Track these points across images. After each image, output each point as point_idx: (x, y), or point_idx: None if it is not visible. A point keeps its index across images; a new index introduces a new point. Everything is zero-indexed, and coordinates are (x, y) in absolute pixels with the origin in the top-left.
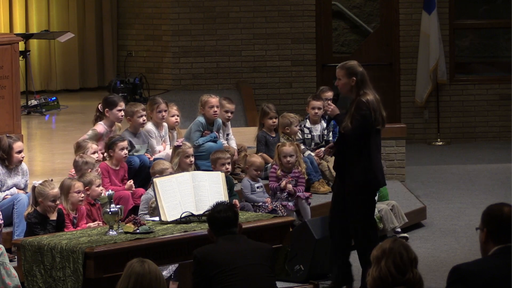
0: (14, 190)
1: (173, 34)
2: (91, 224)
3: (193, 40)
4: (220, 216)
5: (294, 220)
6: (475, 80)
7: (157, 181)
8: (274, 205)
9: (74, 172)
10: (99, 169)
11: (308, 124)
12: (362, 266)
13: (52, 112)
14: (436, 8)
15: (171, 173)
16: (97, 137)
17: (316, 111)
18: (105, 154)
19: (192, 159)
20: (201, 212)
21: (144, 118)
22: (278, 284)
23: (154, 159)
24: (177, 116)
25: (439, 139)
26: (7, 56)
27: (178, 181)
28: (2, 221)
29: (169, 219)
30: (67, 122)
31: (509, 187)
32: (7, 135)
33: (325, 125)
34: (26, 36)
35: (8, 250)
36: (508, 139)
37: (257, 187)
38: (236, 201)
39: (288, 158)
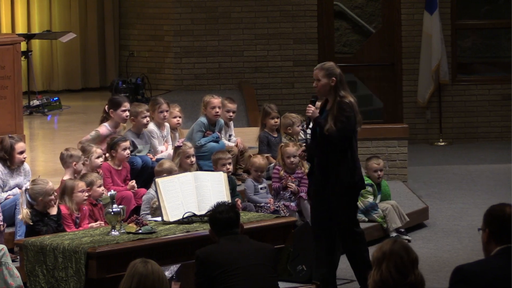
0: (16, 190)
1: (175, 34)
2: (94, 224)
3: (195, 40)
4: (221, 217)
5: (296, 220)
6: (477, 80)
7: (159, 181)
8: (277, 205)
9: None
10: (101, 170)
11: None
12: (353, 267)
13: (54, 112)
14: (438, 8)
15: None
16: (99, 139)
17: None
18: (107, 155)
19: (193, 159)
20: (203, 212)
21: (148, 119)
22: (281, 284)
23: (157, 159)
24: (179, 117)
25: (441, 139)
26: (9, 56)
27: (180, 181)
28: (3, 222)
29: (172, 219)
30: (69, 122)
31: (510, 187)
32: (9, 135)
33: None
34: (28, 36)
35: (11, 250)
36: (510, 139)
37: (261, 188)
38: (238, 201)
39: (292, 159)
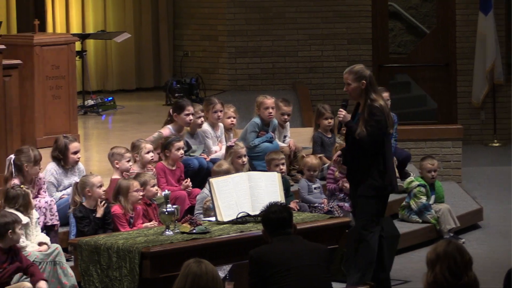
0: (70, 190)
1: (229, 35)
2: (148, 224)
3: (249, 40)
4: (275, 217)
5: (350, 221)
6: None
7: (213, 181)
8: (330, 206)
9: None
10: (155, 169)
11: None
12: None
13: (108, 112)
14: (492, 9)
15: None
16: (162, 141)
17: None
18: (161, 154)
19: (245, 159)
20: (257, 212)
21: (202, 119)
22: (334, 285)
23: (211, 160)
24: (233, 118)
25: (495, 140)
26: (64, 56)
27: (235, 182)
28: (58, 221)
29: (225, 219)
30: (124, 122)
31: None
32: (64, 135)
33: None
34: (83, 36)
35: (65, 250)
36: None
37: (315, 188)
38: (294, 203)
39: None
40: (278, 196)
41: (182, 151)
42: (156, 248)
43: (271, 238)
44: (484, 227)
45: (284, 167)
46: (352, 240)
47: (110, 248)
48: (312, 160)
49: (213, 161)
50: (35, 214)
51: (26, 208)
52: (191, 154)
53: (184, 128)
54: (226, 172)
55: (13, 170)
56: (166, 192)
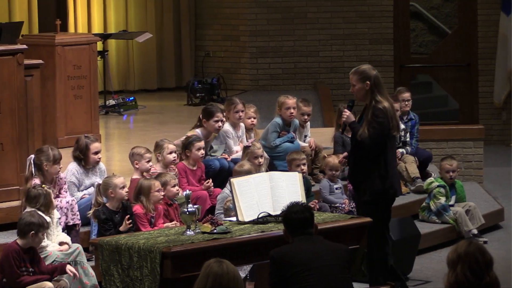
0: (92, 190)
1: (250, 35)
2: (169, 224)
3: (270, 40)
4: (296, 217)
5: (371, 221)
6: None
7: (235, 181)
8: (352, 206)
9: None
10: (176, 169)
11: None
12: (367, 268)
13: (130, 112)
14: None
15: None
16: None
17: None
18: (182, 154)
19: (261, 159)
20: (278, 212)
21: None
22: (355, 285)
23: (232, 160)
24: (254, 118)
25: None
26: (85, 56)
27: (256, 182)
28: (80, 221)
29: (246, 219)
30: (145, 122)
31: None
32: (85, 135)
33: (402, 126)
34: (104, 36)
35: (86, 250)
36: None
37: (336, 188)
38: (314, 202)
39: None
40: (299, 196)
41: (202, 151)
42: (177, 248)
43: (292, 238)
44: (505, 228)
45: (305, 167)
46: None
47: (131, 248)
48: (334, 160)
49: (234, 161)
50: (56, 214)
51: (47, 207)
52: (212, 154)
53: (212, 134)
54: (248, 172)
55: (33, 169)
56: (187, 192)
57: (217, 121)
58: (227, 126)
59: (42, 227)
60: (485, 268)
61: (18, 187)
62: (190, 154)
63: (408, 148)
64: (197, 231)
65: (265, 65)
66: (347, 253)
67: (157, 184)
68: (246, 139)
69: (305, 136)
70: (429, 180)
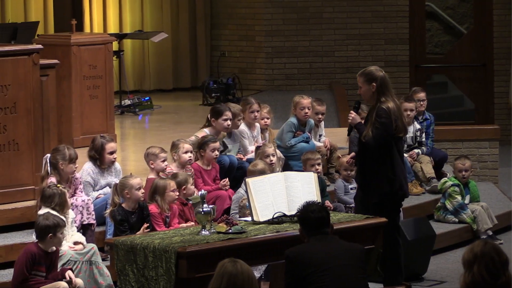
0: (107, 189)
1: (266, 35)
2: (184, 225)
3: (286, 40)
4: (313, 216)
5: (386, 221)
6: None
7: (250, 181)
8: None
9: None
10: (192, 169)
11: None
12: (383, 270)
13: (145, 112)
14: None
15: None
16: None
17: (408, 113)
18: (197, 153)
19: (272, 158)
20: (293, 212)
21: (229, 122)
22: (371, 285)
23: (247, 160)
24: (267, 118)
25: None
26: (101, 56)
27: (271, 181)
28: (95, 221)
29: (261, 219)
30: (160, 122)
31: None
32: (101, 135)
33: (418, 126)
34: (120, 36)
35: (101, 249)
36: None
37: (351, 188)
38: (328, 202)
39: None
40: (314, 196)
41: (217, 152)
42: (192, 248)
43: (308, 237)
44: None
45: (320, 167)
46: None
47: (146, 248)
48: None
49: (250, 161)
50: (71, 213)
51: (62, 207)
52: (227, 154)
53: (221, 133)
54: (261, 171)
55: (49, 168)
56: (203, 192)
57: (225, 120)
58: (242, 126)
59: (59, 227)
60: (501, 267)
61: (33, 186)
62: (204, 154)
63: (424, 148)
64: (212, 231)
65: (280, 65)
66: (362, 253)
67: (172, 184)
68: (261, 139)
69: (320, 136)
70: (443, 180)
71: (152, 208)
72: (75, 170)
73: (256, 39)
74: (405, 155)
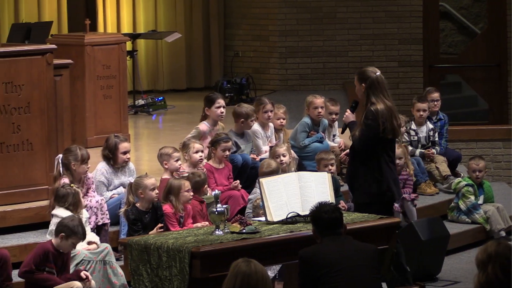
0: (121, 189)
1: (280, 35)
2: (199, 224)
3: (300, 40)
4: (326, 217)
5: (400, 221)
6: None
7: (264, 181)
8: None
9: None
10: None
11: (413, 126)
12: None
13: (159, 112)
14: None
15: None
16: (200, 136)
17: (421, 113)
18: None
19: (283, 158)
20: (307, 212)
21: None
22: (384, 285)
23: (261, 159)
24: (283, 119)
25: None
26: (115, 56)
27: (284, 182)
28: (109, 220)
29: (275, 219)
30: (174, 122)
31: None
32: (115, 134)
33: (431, 126)
34: (134, 36)
35: (115, 249)
36: None
37: None
38: (342, 202)
39: (397, 161)
40: (328, 196)
41: (227, 152)
42: (206, 247)
43: (321, 238)
44: None
45: (333, 167)
46: (402, 240)
47: (160, 248)
48: None
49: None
50: (84, 213)
51: (75, 207)
52: (239, 153)
53: (218, 123)
54: (274, 171)
55: (61, 169)
56: (216, 192)
57: (218, 107)
58: (256, 126)
59: (74, 234)
60: None
61: (47, 186)
62: (215, 152)
63: (437, 148)
64: (226, 231)
65: (294, 65)
66: (376, 253)
67: (186, 184)
68: (275, 139)
69: (334, 136)
70: (457, 180)
71: (166, 208)
72: (87, 170)
73: (270, 39)
74: (421, 151)
